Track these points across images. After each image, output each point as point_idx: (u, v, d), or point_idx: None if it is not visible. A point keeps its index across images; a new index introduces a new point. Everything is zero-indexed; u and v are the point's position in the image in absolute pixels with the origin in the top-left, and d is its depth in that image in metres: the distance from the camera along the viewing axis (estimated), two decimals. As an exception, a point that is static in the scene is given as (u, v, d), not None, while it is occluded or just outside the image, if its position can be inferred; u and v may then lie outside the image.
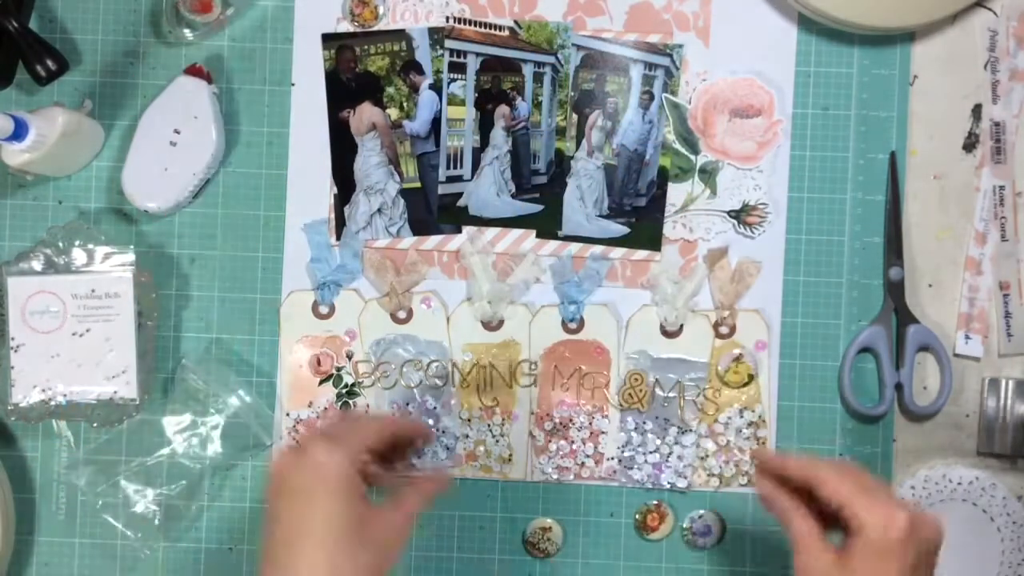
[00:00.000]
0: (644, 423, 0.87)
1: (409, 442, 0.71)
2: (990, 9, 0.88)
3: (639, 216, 0.88)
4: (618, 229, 0.88)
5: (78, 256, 0.86)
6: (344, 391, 0.88)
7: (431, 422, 0.88)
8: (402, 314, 0.88)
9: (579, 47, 0.88)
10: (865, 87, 0.88)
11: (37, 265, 0.85)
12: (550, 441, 0.88)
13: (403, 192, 0.89)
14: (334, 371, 0.88)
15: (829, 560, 0.61)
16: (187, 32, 0.87)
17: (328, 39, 0.88)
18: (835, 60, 0.88)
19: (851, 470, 0.64)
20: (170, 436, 0.87)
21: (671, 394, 0.88)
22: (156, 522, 0.87)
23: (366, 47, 0.88)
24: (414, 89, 0.88)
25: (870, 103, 0.88)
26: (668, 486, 0.87)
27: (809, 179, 0.88)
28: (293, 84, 0.89)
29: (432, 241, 0.89)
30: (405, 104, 0.88)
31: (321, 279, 0.88)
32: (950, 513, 0.87)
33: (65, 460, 0.88)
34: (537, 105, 0.88)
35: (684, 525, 0.87)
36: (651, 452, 0.87)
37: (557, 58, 0.88)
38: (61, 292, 0.84)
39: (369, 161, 0.88)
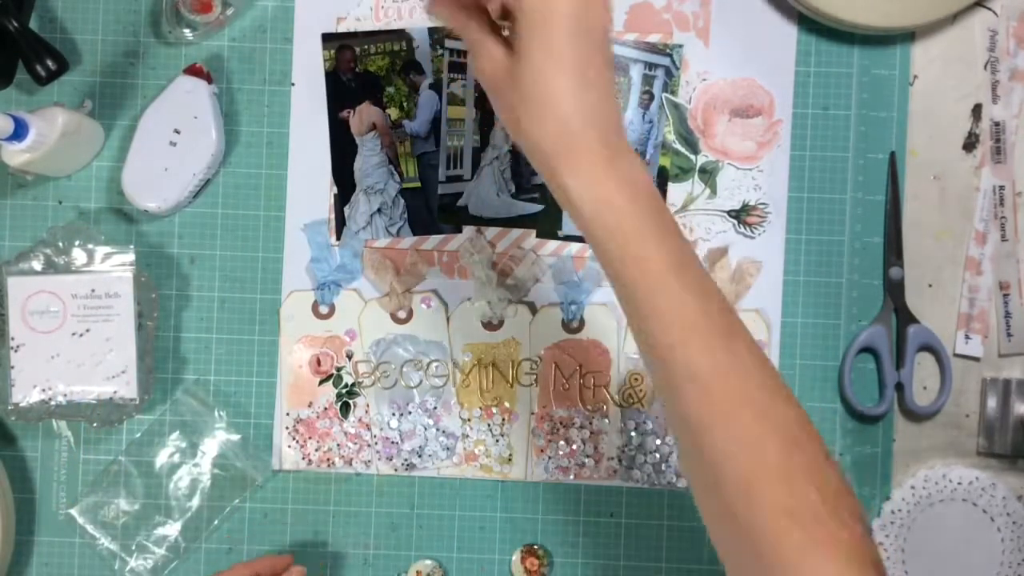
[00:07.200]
0: (644, 423, 0.87)
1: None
2: (990, 9, 0.88)
3: (639, 216, 0.88)
4: (618, 229, 0.88)
5: (78, 256, 0.86)
6: (344, 391, 0.88)
7: (431, 422, 0.88)
8: (402, 314, 0.88)
9: (579, 47, 0.88)
10: (865, 87, 0.88)
11: (37, 265, 0.85)
12: (550, 441, 0.88)
13: (403, 192, 0.89)
14: (334, 371, 0.88)
15: (501, 52, 0.62)
16: (187, 32, 0.87)
17: (328, 39, 0.88)
18: (835, 60, 0.88)
19: None
20: (164, 481, 0.88)
21: (671, 394, 0.88)
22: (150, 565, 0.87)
23: (366, 47, 0.88)
24: (414, 89, 0.88)
25: (870, 103, 0.88)
26: (668, 486, 0.88)
27: (809, 179, 0.88)
28: (293, 84, 0.89)
29: (432, 241, 0.89)
30: (405, 104, 0.88)
31: (321, 279, 0.88)
32: (950, 513, 0.87)
33: (65, 460, 0.88)
34: (537, 105, 0.88)
35: None
36: (651, 452, 0.87)
37: (557, 58, 0.88)
38: (61, 292, 0.84)
39: (369, 161, 0.88)
